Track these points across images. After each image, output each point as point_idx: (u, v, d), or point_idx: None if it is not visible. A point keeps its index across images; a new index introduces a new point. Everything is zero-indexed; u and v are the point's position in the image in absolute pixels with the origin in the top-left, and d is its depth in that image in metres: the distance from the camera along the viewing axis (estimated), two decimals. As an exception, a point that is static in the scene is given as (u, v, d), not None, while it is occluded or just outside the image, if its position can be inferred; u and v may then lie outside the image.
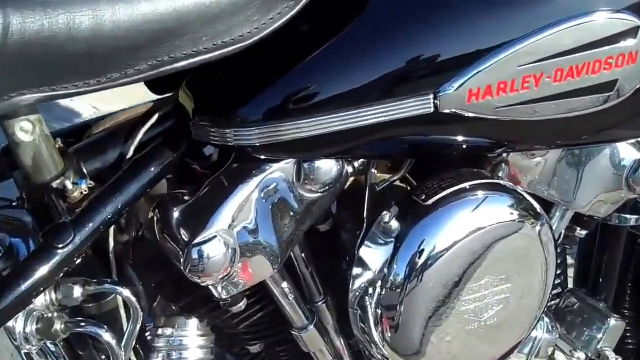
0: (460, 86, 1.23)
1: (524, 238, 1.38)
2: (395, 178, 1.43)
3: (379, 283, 1.33)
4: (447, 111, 1.24)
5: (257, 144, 1.22)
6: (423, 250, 1.32)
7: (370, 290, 1.34)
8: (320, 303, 1.48)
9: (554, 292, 1.80)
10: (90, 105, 3.55)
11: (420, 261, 1.32)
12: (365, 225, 1.39)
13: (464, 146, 1.32)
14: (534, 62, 1.26)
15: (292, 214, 1.29)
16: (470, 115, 1.25)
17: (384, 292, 1.33)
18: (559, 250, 1.69)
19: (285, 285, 1.39)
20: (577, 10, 1.27)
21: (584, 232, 1.66)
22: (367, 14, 1.23)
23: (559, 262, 1.73)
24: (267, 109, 1.22)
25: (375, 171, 1.39)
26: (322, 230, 1.44)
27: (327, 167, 1.29)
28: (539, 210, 1.42)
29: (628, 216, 1.72)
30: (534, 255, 1.40)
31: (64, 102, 3.30)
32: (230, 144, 1.23)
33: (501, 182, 1.40)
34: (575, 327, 1.76)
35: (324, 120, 1.21)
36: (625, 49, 1.30)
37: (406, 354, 1.38)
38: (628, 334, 1.95)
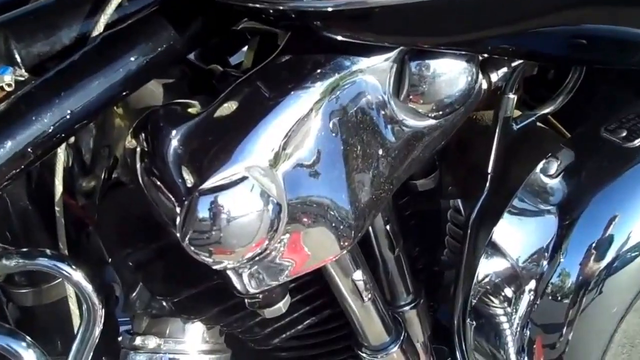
0: None
1: None
2: (545, 111, 0.96)
3: (532, 284, 0.85)
4: None
5: (330, 9, 0.74)
6: (616, 231, 0.82)
7: (509, 295, 0.86)
8: (407, 308, 1.02)
9: None
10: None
11: (614, 251, 0.82)
12: (487, 184, 0.95)
13: None
14: None
15: (381, 152, 0.81)
16: None
17: (539, 301, 0.85)
18: None
19: (358, 276, 0.90)
20: None
21: None
22: None
23: None
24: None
25: (515, 97, 0.92)
26: (420, 189, 0.99)
27: (453, 73, 0.81)
28: None
29: None
30: None
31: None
32: (281, 8, 0.76)
33: None
34: None
35: None
36: None
37: None
38: None
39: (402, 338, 0.98)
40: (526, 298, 0.85)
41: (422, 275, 1.03)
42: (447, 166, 1.02)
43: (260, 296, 0.84)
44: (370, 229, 0.95)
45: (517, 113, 0.98)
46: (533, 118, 0.95)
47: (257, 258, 0.77)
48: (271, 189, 0.72)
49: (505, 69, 0.87)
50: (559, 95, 0.97)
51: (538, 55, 0.89)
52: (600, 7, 0.81)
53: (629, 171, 0.83)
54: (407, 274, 1.00)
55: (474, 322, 0.93)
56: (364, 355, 0.99)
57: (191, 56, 0.96)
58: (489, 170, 0.95)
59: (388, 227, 0.96)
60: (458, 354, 0.97)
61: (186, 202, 0.72)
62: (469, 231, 0.94)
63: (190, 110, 0.78)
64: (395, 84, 0.81)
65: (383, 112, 0.80)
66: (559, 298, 0.85)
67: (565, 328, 0.85)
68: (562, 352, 0.87)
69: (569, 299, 0.84)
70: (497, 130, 0.93)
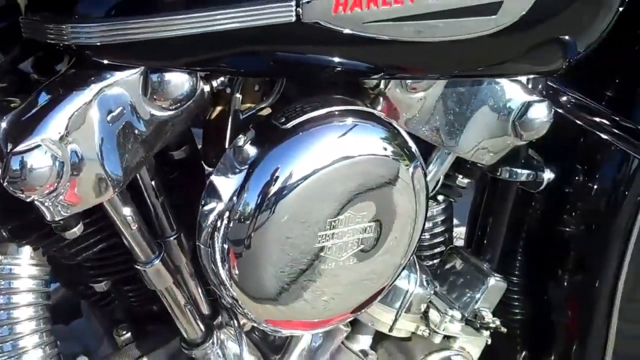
0: (325, -6, 1.11)
1: (392, 176, 1.29)
2: (262, 105, 1.32)
3: (227, 214, 1.23)
4: (310, 21, 1.14)
5: (98, 44, 1.10)
6: (277, 177, 1.21)
7: (219, 223, 1.24)
8: (171, 238, 1.37)
9: (437, 250, 1.69)
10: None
11: (273, 189, 1.21)
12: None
13: (334, 68, 1.21)
14: (411, -27, 1.14)
15: (136, 132, 1.18)
16: (336, 28, 1.15)
17: (232, 225, 1.23)
18: (445, 205, 1.59)
19: (127, 212, 1.27)
20: None
21: (466, 181, 1.57)
22: None
23: (444, 218, 1.65)
24: (109, 3, 1.11)
25: (240, 96, 1.29)
26: (176, 157, 1.35)
27: (178, 81, 1.19)
28: (414, 150, 1.31)
29: (519, 170, 1.62)
30: (401, 198, 1.31)
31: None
32: (67, 43, 1.11)
33: (375, 111, 1.30)
34: (455, 286, 1.65)
35: (172, 21, 1.11)
36: (512, -33, 1.19)
37: (256, 296, 1.29)
38: (516, 303, 1.84)
39: (162, 255, 1.32)
40: (224, 223, 1.21)
41: (186, 218, 1.36)
42: (212, 142, 1.34)
43: (61, 223, 1.21)
44: (142, 184, 1.30)
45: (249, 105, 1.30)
46: (253, 111, 1.29)
47: (52, 194, 1.11)
48: (58, 153, 1.09)
49: (222, 78, 1.22)
50: (271, 95, 1.30)
51: (237, 71, 1.22)
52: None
53: (286, 142, 1.20)
54: (171, 216, 1.35)
55: (209, 248, 1.26)
56: (138, 267, 1.32)
57: (28, 65, 1.26)
58: (226, 147, 1.27)
59: (153, 182, 1.30)
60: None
61: (5, 160, 1.08)
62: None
63: (13, 105, 1.16)
64: (143, 86, 1.15)
65: (137, 106, 1.15)
66: (243, 220, 1.20)
67: (247, 240, 1.20)
68: (246, 258, 1.22)
69: (250, 220, 1.20)
70: (229, 119, 1.27)
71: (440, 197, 1.65)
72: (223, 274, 1.26)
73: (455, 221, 1.74)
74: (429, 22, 1.19)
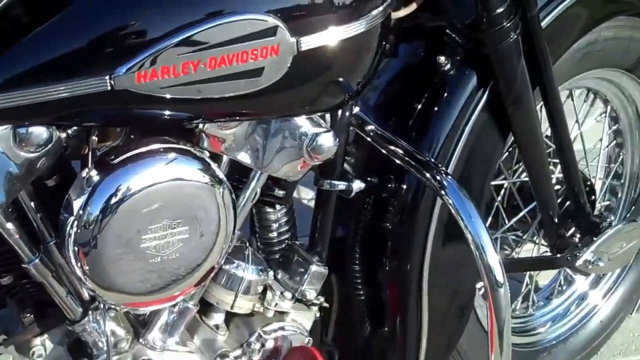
0: (129, 69, 1.53)
1: (202, 195, 1.70)
2: (114, 144, 1.72)
3: (76, 222, 1.63)
4: (120, 89, 1.50)
5: None
6: (108, 197, 1.62)
7: (70, 230, 1.63)
8: (51, 244, 1.73)
9: (283, 245, 2.20)
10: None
11: (106, 205, 1.62)
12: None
13: (152, 119, 1.62)
14: (191, 52, 1.62)
15: (11, 169, 1.56)
16: (142, 92, 1.54)
17: (79, 231, 1.63)
18: (285, 210, 2.07)
19: (9, 226, 1.66)
20: (226, 11, 1.64)
21: (282, 192, 2.03)
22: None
23: (286, 219, 2.13)
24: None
25: (96, 138, 1.68)
26: (49, 185, 1.72)
27: (38, 133, 1.54)
28: (221, 177, 1.76)
29: (336, 182, 2.10)
30: (210, 210, 1.72)
31: None
32: None
33: (191, 149, 1.69)
34: (290, 273, 2.12)
35: (23, 94, 1.47)
36: (267, 43, 1.67)
37: (106, 287, 1.67)
38: (360, 287, 2.33)
39: (40, 256, 1.67)
40: (74, 230, 1.64)
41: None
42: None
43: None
44: (24, 205, 1.66)
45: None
46: (107, 148, 1.66)
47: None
48: None
49: (75, 127, 1.56)
50: (119, 137, 1.69)
51: (82, 126, 1.59)
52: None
53: (114, 172, 1.60)
54: (48, 226, 1.69)
55: (68, 251, 1.63)
56: (24, 265, 1.67)
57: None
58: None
59: (32, 203, 1.66)
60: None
61: None
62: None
63: None
64: (13, 138, 1.49)
65: (9, 152, 1.51)
66: (87, 226, 1.58)
67: (91, 240, 1.58)
68: (91, 257, 1.60)
69: (93, 225, 1.59)
70: (89, 154, 1.65)
71: (277, 206, 2.12)
72: (78, 271, 1.63)
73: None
74: (209, 84, 1.64)
